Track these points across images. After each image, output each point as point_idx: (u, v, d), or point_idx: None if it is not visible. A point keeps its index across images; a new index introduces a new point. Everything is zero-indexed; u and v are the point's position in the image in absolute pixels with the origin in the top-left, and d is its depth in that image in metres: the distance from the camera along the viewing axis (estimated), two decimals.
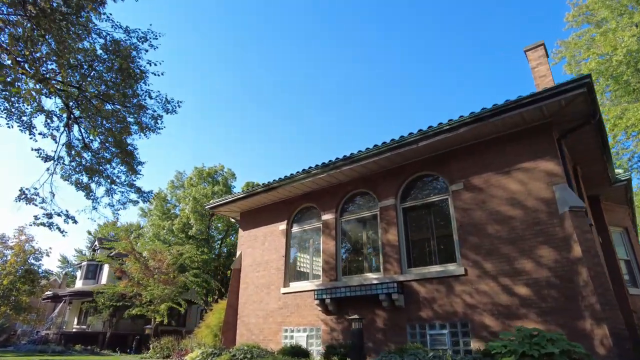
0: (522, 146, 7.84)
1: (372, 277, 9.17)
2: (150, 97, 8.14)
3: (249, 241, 12.27)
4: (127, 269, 18.98)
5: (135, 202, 10.57)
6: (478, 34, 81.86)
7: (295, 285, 10.57)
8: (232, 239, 32.32)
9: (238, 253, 12.38)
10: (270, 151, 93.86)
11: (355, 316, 7.03)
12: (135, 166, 9.67)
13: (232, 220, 13.62)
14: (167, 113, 8.47)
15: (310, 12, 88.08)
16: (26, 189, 8.79)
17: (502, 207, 7.77)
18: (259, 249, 11.83)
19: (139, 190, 10.41)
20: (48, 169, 9.44)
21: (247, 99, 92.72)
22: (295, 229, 11.35)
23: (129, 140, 8.62)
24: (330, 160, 9.88)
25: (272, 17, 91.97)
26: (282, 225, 11.48)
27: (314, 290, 9.81)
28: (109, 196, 10.36)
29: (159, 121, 8.51)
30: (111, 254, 23.52)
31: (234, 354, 8.55)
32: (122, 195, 10.47)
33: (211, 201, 12.81)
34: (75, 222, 9.08)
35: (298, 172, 10.53)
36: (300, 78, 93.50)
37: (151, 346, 10.72)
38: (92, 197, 10.11)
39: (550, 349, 5.33)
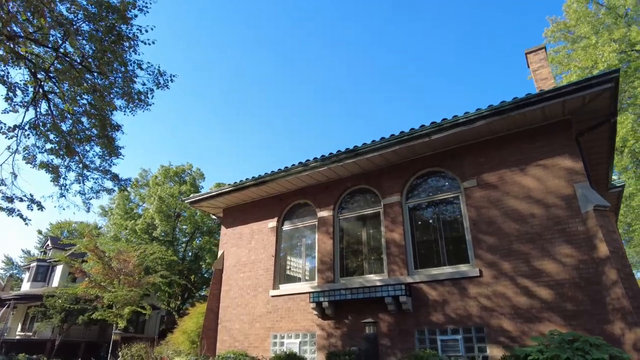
0: (541, 143, 7.54)
1: (374, 278, 8.53)
2: (141, 68, 7.14)
3: (233, 239, 11.30)
4: (88, 270, 17.27)
5: (111, 191, 9.40)
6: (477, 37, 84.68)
7: (287, 288, 9.74)
8: (198, 242, 30.80)
9: (220, 252, 11.37)
10: (241, 153, 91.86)
11: (369, 319, 6.35)
12: (115, 148, 8.55)
13: (213, 217, 12.58)
14: (158, 87, 7.49)
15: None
16: None
17: (519, 205, 7.40)
18: (245, 248, 10.89)
19: (115, 177, 9.25)
20: (9, 147, 8.15)
21: (216, 98, 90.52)
22: (287, 226, 10.54)
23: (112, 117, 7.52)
24: (331, 153, 9.21)
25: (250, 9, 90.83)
26: (272, 223, 10.63)
27: (309, 292, 9.04)
28: (79, 183, 9.14)
29: (149, 95, 7.50)
30: (67, 254, 21.46)
31: None
32: (96, 183, 9.27)
33: (191, 195, 11.74)
34: (41, 208, 7.84)
35: (294, 164, 9.77)
36: (269, 77, 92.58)
37: (120, 354, 9.49)
38: (60, 184, 8.85)
39: (596, 355, 4.88)
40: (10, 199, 7.44)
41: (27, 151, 8.30)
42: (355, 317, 8.42)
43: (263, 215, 10.93)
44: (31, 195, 7.74)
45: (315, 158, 9.45)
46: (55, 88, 7.91)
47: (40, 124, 8.36)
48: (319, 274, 9.28)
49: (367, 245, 9.17)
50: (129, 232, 25.77)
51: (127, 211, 28.66)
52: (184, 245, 29.05)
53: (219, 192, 11.00)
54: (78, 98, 7.19)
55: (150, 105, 7.66)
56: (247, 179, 10.62)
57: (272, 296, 9.76)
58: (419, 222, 8.69)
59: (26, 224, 7.90)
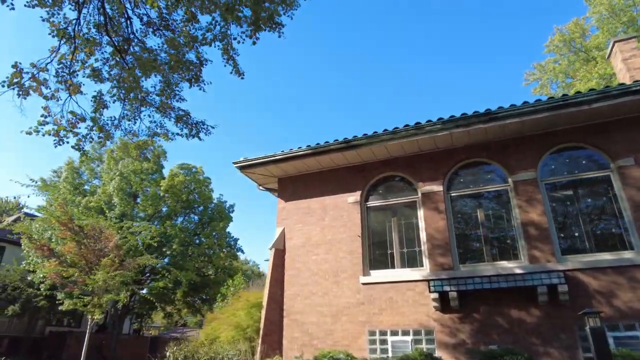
0: None
1: (509, 265, 7.28)
2: None
3: (297, 215, 9.31)
4: (58, 247, 13.69)
5: (172, 136, 6.98)
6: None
7: (382, 274, 8.09)
8: (157, 226, 27.17)
9: (279, 229, 9.30)
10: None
11: (590, 309, 5.04)
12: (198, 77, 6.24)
13: (261, 188, 10.38)
14: None
15: None
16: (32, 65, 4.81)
17: None
18: (316, 226, 8.99)
19: (180, 119, 6.82)
20: (54, 51, 5.50)
21: None
22: (374, 202, 8.85)
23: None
24: (452, 116, 7.79)
25: None
26: (353, 197, 8.88)
27: (421, 280, 7.55)
28: (131, 119, 6.61)
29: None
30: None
31: None
32: (152, 122, 6.80)
33: (242, 158, 9.48)
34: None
35: (397, 128, 8.18)
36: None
37: (170, 354, 7.02)
38: (100, 117, 6.27)
39: None
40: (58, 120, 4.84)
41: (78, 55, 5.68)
42: (488, 309, 7.10)
43: (339, 187, 9.12)
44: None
45: (429, 121, 7.96)
46: None
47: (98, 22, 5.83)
48: (430, 260, 7.78)
49: (487, 227, 7.89)
50: (82, 209, 21.62)
51: (76, 186, 24.15)
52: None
53: (290, 155, 8.94)
54: None
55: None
56: (327, 142, 8.76)
57: (364, 284, 8.04)
58: (556, 203, 7.61)
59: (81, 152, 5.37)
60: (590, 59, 19.67)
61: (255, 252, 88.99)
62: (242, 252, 29.77)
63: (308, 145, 8.87)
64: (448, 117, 7.83)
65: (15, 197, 35.48)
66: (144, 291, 25.24)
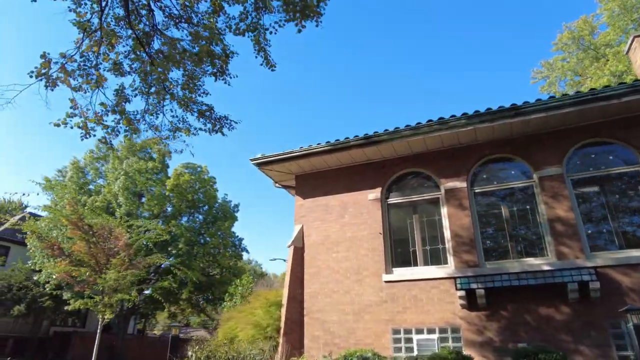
0: None
1: (536, 262, 7.16)
2: None
3: (315, 212, 9.18)
4: (66, 246, 13.53)
5: (195, 131, 6.84)
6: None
7: (406, 272, 7.96)
8: (163, 225, 27.00)
9: (297, 227, 9.17)
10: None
11: (633, 305, 4.93)
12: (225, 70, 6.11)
13: (277, 185, 10.25)
14: None
15: None
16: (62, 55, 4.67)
17: None
18: (335, 223, 8.86)
19: (203, 113, 6.68)
20: (79, 42, 5.37)
21: None
22: (395, 199, 8.72)
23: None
24: (477, 111, 7.67)
25: None
26: (374, 194, 8.76)
27: (446, 278, 7.44)
28: (153, 114, 6.48)
29: None
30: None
31: None
32: (174, 117, 6.66)
33: (260, 154, 9.35)
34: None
35: (419, 123, 8.06)
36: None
37: (193, 353, 6.89)
38: (121, 108, 6.12)
39: None
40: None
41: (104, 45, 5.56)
42: (515, 307, 6.98)
43: (358, 184, 9.00)
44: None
45: (453, 116, 7.85)
46: None
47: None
48: (454, 257, 7.66)
49: (511, 224, 7.77)
50: (87, 209, 21.48)
51: (82, 186, 23.99)
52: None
53: (308, 151, 8.81)
54: None
55: None
56: (347, 138, 8.63)
57: (387, 282, 7.92)
58: (582, 199, 7.50)
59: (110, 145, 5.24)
60: (600, 57, 19.57)
61: (258, 252, 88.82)
62: (247, 252, 29.60)
63: (327, 142, 8.75)
64: (473, 112, 7.72)
65: (17, 194, 35.14)
66: (148, 291, 25.11)
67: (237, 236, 29.11)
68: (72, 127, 5.08)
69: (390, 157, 8.88)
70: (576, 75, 21.21)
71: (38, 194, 29.22)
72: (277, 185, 10.20)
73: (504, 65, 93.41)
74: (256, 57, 5.55)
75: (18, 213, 33.87)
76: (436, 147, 8.48)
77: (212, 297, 27.90)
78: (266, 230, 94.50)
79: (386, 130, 8.33)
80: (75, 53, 5.43)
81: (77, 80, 5.07)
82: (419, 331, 7.40)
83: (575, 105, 7.14)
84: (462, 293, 7.09)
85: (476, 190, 8.13)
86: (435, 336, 7.25)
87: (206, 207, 27.11)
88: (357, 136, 8.56)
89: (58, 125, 5.01)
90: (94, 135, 5.42)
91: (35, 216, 24.36)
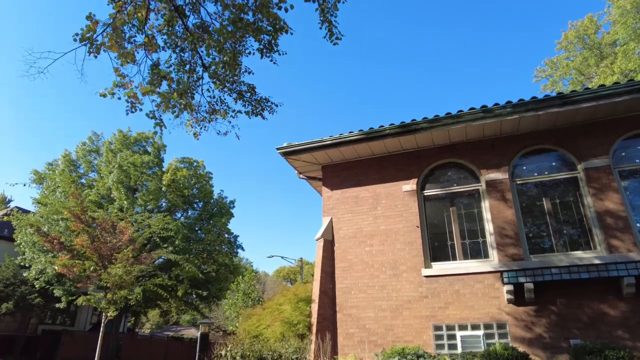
0: None
1: (585, 255, 6.92)
2: None
3: (345, 204, 8.78)
4: (68, 240, 12.79)
5: (233, 114, 6.35)
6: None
7: (447, 267, 7.63)
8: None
9: (326, 219, 8.75)
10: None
11: None
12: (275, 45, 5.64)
13: (301, 176, 9.79)
14: None
15: None
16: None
17: None
18: (368, 215, 8.48)
19: (241, 95, 6.20)
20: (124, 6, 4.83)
21: None
22: (431, 190, 8.39)
23: None
24: (521, 100, 7.38)
25: None
26: (408, 185, 8.40)
27: (490, 272, 7.14)
28: (187, 93, 5.95)
29: None
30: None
31: None
32: (212, 98, 6.15)
33: (286, 143, 8.88)
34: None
35: (461, 110, 7.73)
36: None
37: (226, 352, 6.34)
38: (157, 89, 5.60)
39: None
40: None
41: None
42: (565, 302, 6.72)
43: (391, 175, 8.63)
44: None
45: (496, 104, 7.55)
46: None
47: None
48: (498, 250, 7.37)
49: (555, 216, 7.52)
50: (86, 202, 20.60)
51: (74, 179, 22.97)
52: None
53: (340, 140, 8.40)
54: None
55: None
56: (382, 126, 8.26)
57: (427, 276, 7.57)
58: (630, 192, 7.30)
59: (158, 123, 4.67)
60: (606, 55, 19.67)
61: (249, 250, 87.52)
62: (242, 249, 28.98)
63: (360, 130, 8.35)
64: (517, 101, 7.43)
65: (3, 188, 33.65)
66: (139, 287, 24.28)
67: (233, 233, 28.48)
68: (119, 98, 4.55)
69: (426, 147, 8.54)
70: (580, 74, 21.31)
71: (25, 185, 27.84)
72: (300, 176, 9.75)
73: (504, 66, 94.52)
74: (320, 28, 5.11)
75: (1, 208, 32.49)
76: (476, 137, 8.17)
77: (206, 295, 27.20)
78: (262, 228, 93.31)
79: (425, 118, 7.98)
80: (113, 21, 4.89)
81: (125, 48, 4.53)
82: (463, 327, 7.08)
83: (627, 95, 6.91)
84: (509, 287, 6.80)
85: (518, 182, 7.86)
86: (480, 332, 6.94)
87: (201, 203, 26.40)
88: (392, 124, 8.19)
89: (104, 95, 4.47)
90: (140, 110, 4.89)
91: (24, 211, 23.32)
